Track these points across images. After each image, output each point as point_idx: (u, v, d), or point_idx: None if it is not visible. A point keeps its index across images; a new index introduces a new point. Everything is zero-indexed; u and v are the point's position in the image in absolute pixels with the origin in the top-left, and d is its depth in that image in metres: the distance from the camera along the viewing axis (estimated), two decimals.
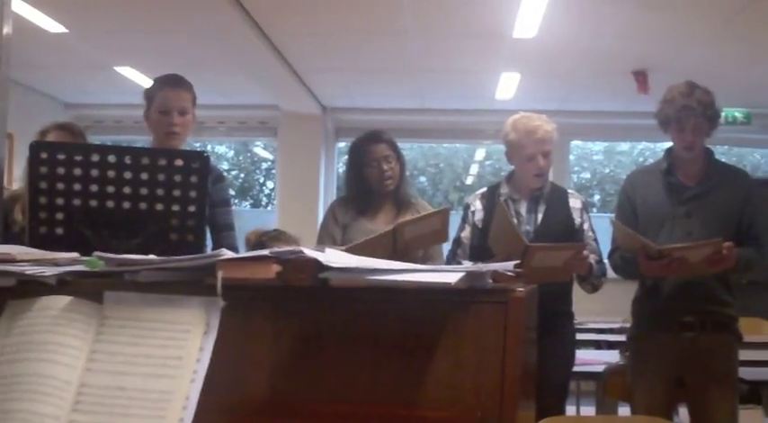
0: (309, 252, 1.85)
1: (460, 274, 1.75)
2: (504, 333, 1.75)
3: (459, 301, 1.79)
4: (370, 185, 4.44)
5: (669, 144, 4.13)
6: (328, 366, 1.84)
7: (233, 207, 4.25)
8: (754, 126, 10.10)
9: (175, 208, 2.49)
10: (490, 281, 1.94)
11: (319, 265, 1.80)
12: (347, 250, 2.76)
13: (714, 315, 3.94)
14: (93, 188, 2.47)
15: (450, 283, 1.72)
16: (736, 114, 9.84)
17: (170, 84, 3.93)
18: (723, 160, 4.30)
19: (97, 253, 1.95)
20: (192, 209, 2.49)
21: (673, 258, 3.68)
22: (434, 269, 1.89)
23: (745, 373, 4.60)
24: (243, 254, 1.91)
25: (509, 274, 2.05)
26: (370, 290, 1.81)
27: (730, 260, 3.71)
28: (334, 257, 1.84)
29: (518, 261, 3.28)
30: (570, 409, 5.74)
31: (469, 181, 12.44)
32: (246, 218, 12.11)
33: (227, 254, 1.84)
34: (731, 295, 4.01)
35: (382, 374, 1.82)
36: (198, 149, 3.26)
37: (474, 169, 12.63)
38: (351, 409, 1.81)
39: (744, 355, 4.73)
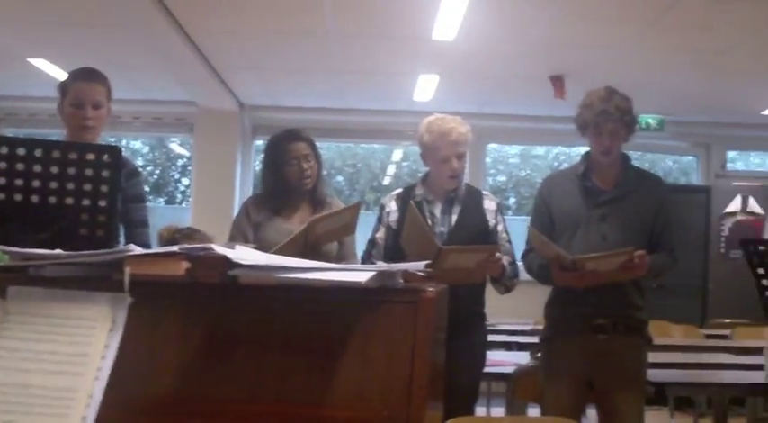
0: (219, 249, 1.84)
1: (371, 273, 1.75)
2: (413, 333, 1.76)
3: (369, 300, 1.79)
4: (288, 184, 4.41)
5: (584, 149, 4.18)
6: (236, 365, 1.83)
7: (147, 203, 4.19)
8: (666, 133, 10.29)
9: (86, 202, 2.44)
10: (401, 281, 1.94)
11: (229, 263, 1.79)
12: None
13: (626, 318, 3.99)
14: (1, 181, 2.41)
15: (360, 282, 1.72)
16: (650, 121, 10.01)
17: (84, 77, 3.87)
18: (638, 166, 4.35)
19: (1, 247, 1.91)
20: (102, 204, 2.44)
21: (585, 271, 3.72)
22: (345, 268, 1.89)
23: (653, 375, 4.67)
24: (152, 250, 1.89)
25: (420, 274, 2.05)
26: (280, 288, 1.80)
27: (643, 268, 3.76)
28: (244, 255, 1.83)
29: (429, 261, 3.29)
30: (480, 410, 5.78)
31: (386, 181, 12.47)
32: (161, 215, 11.99)
33: (136, 249, 1.82)
34: (643, 299, 4.06)
35: (290, 373, 1.81)
36: (111, 144, 3.21)
37: (391, 170, 12.66)
38: (258, 409, 1.80)
39: (651, 357, 4.81)
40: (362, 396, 1.78)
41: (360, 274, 1.74)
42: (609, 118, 3.94)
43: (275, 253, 2.82)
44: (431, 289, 1.80)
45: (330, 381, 1.79)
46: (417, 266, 2.03)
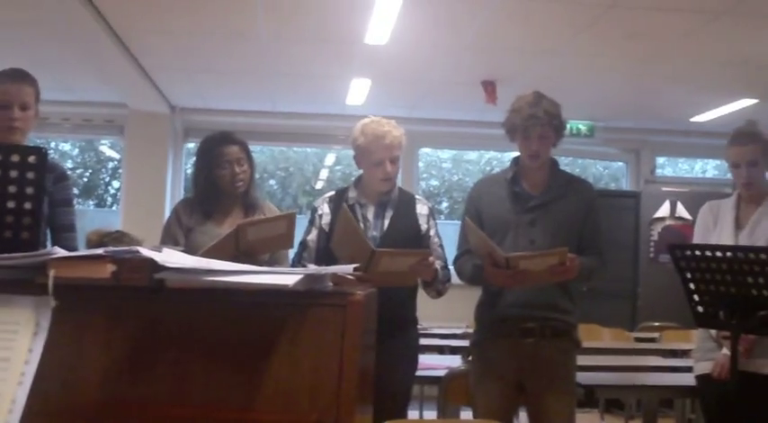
0: (146, 252, 1.81)
1: (299, 277, 1.74)
2: (341, 336, 1.75)
3: (297, 303, 1.79)
4: (220, 187, 4.37)
5: (517, 154, 4.20)
6: (162, 369, 1.81)
7: (76, 207, 4.12)
8: (596, 139, 10.40)
9: (10, 205, 2.40)
10: (330, 284, 1.93)
11: (155, 266, 1.77)
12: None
13: (554, 322, 4.01)
14: None
15: (287, 285, 1.71)
16: (581, 127, 10.13)
17: (11, 77, 3.81)
18: (567, 171, 4.39)
19: None
20: (27, 206, 2.41)
21: (517, 271, 3.73)
22: (273, 271, 1.87)
23: (583, 377, 4.72)
24: (76, 252, 1.86)
25: (349, 277, 2.05)
26: (207, 291, 1.78)
27: (573, 271, 3.79)
28: (171, 258, 1.81)
29: (358, 264, 3.28)
30: (413, 414, 5.79)
31: (319, 185, 12.45)
32: (90, 218, 11.83)
33: (60, 252, 1.79)
34: (571, 303, 4.09)
35: (217, 377, 1.79)
36: (38, 145, 3.13)
37: (324, 174, 12.64)
38: (185, 413, 1.78)
39: (582, 360, 4.86)
40: (290, 399, 1.77)
41: (287, 278, 1.73)
42: (537, 122, 3.97)
43: (202, 256, 2.79)
44: (359, 292, 1.79)
45: (258, 384, 1.78)
46: (346, 269, 2.02)
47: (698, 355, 4.46)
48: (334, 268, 1.98)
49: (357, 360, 1.75)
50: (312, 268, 2.13)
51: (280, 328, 1.78)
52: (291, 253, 4.40)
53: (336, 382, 1.74)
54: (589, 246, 4.05)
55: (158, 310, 1.84)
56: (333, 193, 4.44)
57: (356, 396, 1.75)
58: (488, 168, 12.31)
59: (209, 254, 3.43)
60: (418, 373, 4.42)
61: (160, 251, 1.87)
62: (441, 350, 6.80)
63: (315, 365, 1.75)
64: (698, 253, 3.59)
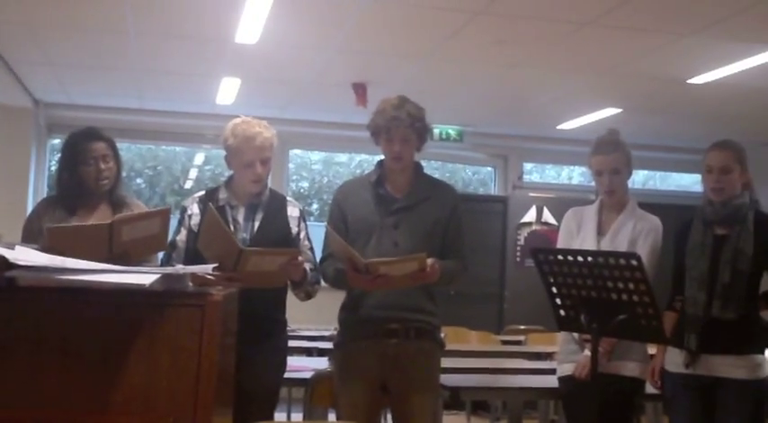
0: None
1: (156, 276, 1.70)
2: (200, 337, 1.72)
3: (154, 303, 1.75)
4: (84, 185, 4.27)
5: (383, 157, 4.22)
6: (14, 371, 1.75)
7: None
8: (465, 143, 10.53)
9: None
10: (190, 284, 1.89)
11: (6, 264, 1.70)
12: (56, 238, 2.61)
13: (417, 323, 4.02)
14: None
15: (144, 285, 1.66)
16: (450, 132, 10.23)
17: None
18: (436, 175, 4.42)
19: None
20: None
21: (378, 275, 3.74)
22: (129, 270, 1.83)
23: (449, 379, 4.75)
24: None
25: (209, 277, 2.01)
26: (60, 290, 1.73)
27: (433, 275, 3.82)
28: (23, 255, 1.74)
29: (220, 264, 3.24)
30: (281, 416, 5.76)
31: (188, 185, 12.27)
32: None
33: None
34: (434, 305, 4.12)
35: (72, 379, 1.74)
36: None
37: (193, 173, 12.46)
38: (38, 416, 1.72)
39: (448, 362, 4.90)
40: (147, 401, 1.73)
41: (144, 277, 1.69)
42: (400, 124, 4.00)
43: (60, 234, 2.68)
44: (218, 293, 1.76)
45: (114, 386, 1.73)
46: (206, 269, 1.99)
47: (561, 357, 4.53)
48: (193, 268, 1.94)
49: (215, 361, 1.72)
50: (170, 268, 2.08)
51: (137, 329, 1.74)
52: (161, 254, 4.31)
53: (194, 383, 1.70)
54: (451, 249, 4.09)
55: (9, 310, 1.77)
56: (203, 193, 4.37)
57: (214, 397, 1.72)
58: (359, 171, 12.32)
59: (72, 236, 3.29)
60: (286, 375, 4.39)
61: (12, 249, 1.81)
62: (309, 352, 6.79)
63: (172, 366, 1.72)
64: (560, 257, 3.65)
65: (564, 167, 12.24)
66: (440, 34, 6.67)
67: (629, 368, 4.28)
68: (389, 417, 4.26)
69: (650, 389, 4.48)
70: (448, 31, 6.56)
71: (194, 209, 4.25)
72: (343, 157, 12.33)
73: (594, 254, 3.66)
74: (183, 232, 4.22)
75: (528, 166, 11.94)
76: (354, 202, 4.15)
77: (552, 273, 3.67)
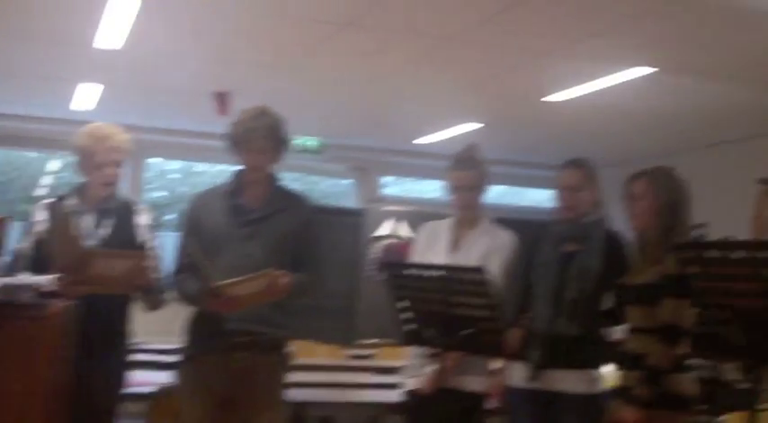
0: None
1: None
2: (35, 349, 1.69)
3: None
4: None
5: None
6: None
7: None
8: (325, 156, 10.57)
9: None
10: (30, 295, 1.86)
11: None
12: None
13: (266, 337, 4.01)
14: None
15: None
16: (310, 143, 10.23)
17: None
18: (295, 187, 4.43)
19: None
20: None
21: (228, 297, 3.73)
22: None
23: (294, 394, 4.74)
24: None
25: (53, 287, 1.98)
26: None
27: (284, 290, 3.83)
28: None
29: (63, 275, 3.17)
30: None
31: (42, 192, 11.94)
32: None
33: None
34: (284, 317, 4.10)
35: None
36: None
37: (47, 180, 12.14)
38: None
39: (295, 376, 4.89)
40: None
41: None
42: (257, 134, 4.01)
43: None
44: (57, 305, 1.73)
45: None
46: (49, 280, 1.95)
47: (408, 371, 4.57)
48: (35, 279, 1.90)
49: (50, 374, 1.69)
50: (4, 279, 2.03)
51: None
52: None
53: (28, 396, 1.67)
54: (305, 261, 4.09)
55: None
56: (51, 200, 4.29)
57: (48, 411, 1.69)
58: (218, 181, 12.22)
59: None
60: (129, 389, 4.30)
61: None
62: (154, 366, 6.64)
63: (4, 379, 1.68)
64: (411, 272, 3.70)
65: (424, 181, 12.35)
66: (306, 45, 6.67)
67: (472, 382, 4.34)
68: None
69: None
70: (314, 41, 6.56)
71: (42, 216, 4.17)
72: (202, 167, 12.21)
73: (443, 268, 3.72)
74: (29, 240, 4.12)
75: (388, 179, 12.00)
76: (208, 212, 4.12)
77: (401, 287, 3.71)
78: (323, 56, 6.91)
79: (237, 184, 4.17)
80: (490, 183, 4.58)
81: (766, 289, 2.61)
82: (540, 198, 12.12)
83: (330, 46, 6.61)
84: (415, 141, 10.27)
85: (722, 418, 4.08)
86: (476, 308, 3.50)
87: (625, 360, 4.00)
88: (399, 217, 10.84)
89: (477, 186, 4.49)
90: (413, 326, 3.77)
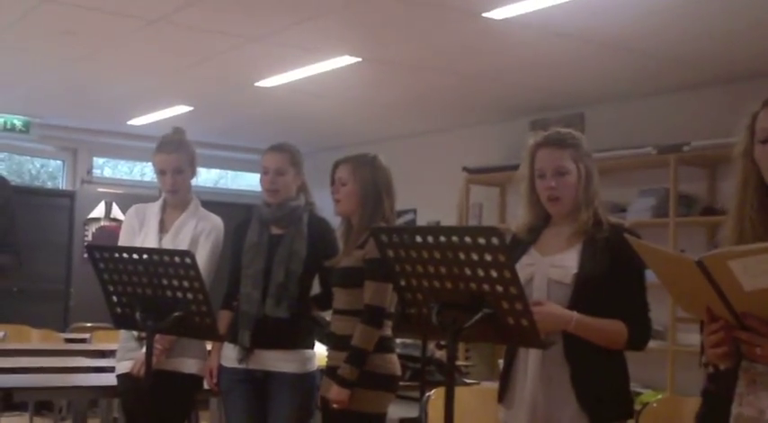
0: None
1: None
2: None
3: None
4: None
5: None
6: None
7: None
8: (32, 135, 10.23)
9: None
10: None
11: None
12: None
13: None
14: None
15: None
16: (15, 122, 9.90)
17: None
18: (1, 168, 4.28)
19: None
20: None
21: None
22: None
23: (4, 380, 4.61)
24: None
25: None
26: None
27: None
28: None
29: None
30: None
31: None
32: None
33: None
34: None
35: None
36: None
37: None
38: None
39: (4, 362, 4.73)
40: None
41: None
42: None
43: None
44: None
45: None
46: None
47: (120, 354, 4.53)
48: None
49: None
50: None
51: None
52: None
53: None
54: (3, 243, 3.99)
55: None
56: None
57: None
58: None
59: None
60: None
61: None
62: None
63: None
64: (116, 255, 3.65)
65: (137, 163, 12.15)
66: (2, 20, 6.40)
67: (188, 365, 4.37)
68: None
69: None
70: (11, 17, 6.30)
71: None
72: None
73: (149, 251, 3.70)
74: None
75: (100, 160, 11.72)
76: None
77: (108, 270, 3.66)
78: (23, 31, 6.65)
79: None
80: (199, 166, 4.58)
81: (453, 272, 2.77)
82: (256, 182, 12.20)
83: (30, 21, 6.37)
84: (128, 123, 10.07)
85: (430, 393, 4.27)
86: (185, 290, 3.50)
87: (331, 341, 4.14)
88: (112, 199, 10.66)
89: (184, 169, 4.47)
90: (122, 309, 3.72)
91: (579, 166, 3.28)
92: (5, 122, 9.77)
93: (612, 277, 3.16)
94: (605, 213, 3.31)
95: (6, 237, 4.02)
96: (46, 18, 6.32)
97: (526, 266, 3.22)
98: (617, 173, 7.40)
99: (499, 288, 2.72)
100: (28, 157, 11.65)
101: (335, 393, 3.95)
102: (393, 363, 4.10)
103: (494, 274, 2.70)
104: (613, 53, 6.59)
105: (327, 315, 4.29)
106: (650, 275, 2.55)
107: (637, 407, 4.28)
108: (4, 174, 4.56)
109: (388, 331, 4.07)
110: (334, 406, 3.96)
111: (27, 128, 10.01)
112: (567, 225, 3.31)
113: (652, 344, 3.45)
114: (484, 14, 5.78)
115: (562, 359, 3.18)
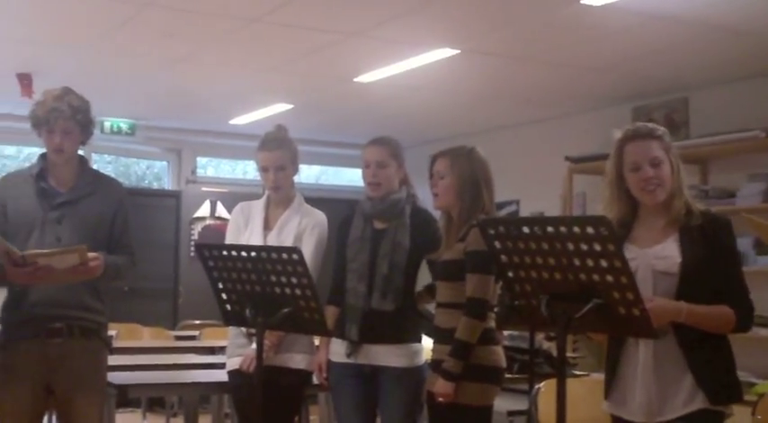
0: None
1: None
2: None
3: None
4: None
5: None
6: None
7: None
8: (138, 137, 10.39)
9: None
10: None
11: None
12: None
13: (83, 322, 3.96)
14: None
15: None
16: (122, 125, 10.07)
17: None
18: (109, 169, 4.38)
19: None
20: None
21: (38, 267, 3.66)
22: None
23: (119, 377, 4.69)
24: None
25: None
26: None
27: (97, 270, 3.79)
28: None
29: None
30: None
31: None
32: None
33: None
34: (101, 302, 4.06)
35: None
36: None
37: None
38: None
39: (119, 360, 4.83)
40: None
41: None
42: (60, 115, 3.95)
43: None
44: None
45: None
46: None
47: (230, 351, 4.57)
48: None
49: None
50: None
51: None
52: None
53: None
54: (119, 244, 4.08)
55: None
56: None
57: None
58: (28, 164, 11.83)
59: None
60: None
61: None
62: None
63: None
64: (225, 253, 3.70)
65: (239, 162, 12.30)
66: (107, 25, 6.53)
67: (296, 360, 4.39)
68: (54, 419, 4.18)
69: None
70: (115, 21, 6.43)
71: None
72: (11, 150, 11.81)
73: (257, 249, 3.73)
74: None
75: (203, 160, 11.89)
76: (15, 195, 4.04)
77: (217, 268, 3.71)
78: (127, 35, 6.79)
79: (44, 167, 4.10)
80: (300, 162, 4.60)
81: (562, 262, 2.75)
82: (357, 177, 12.24)
83: (133, 25, 6.49)
84: (229, 122, 10.20)
85: (539, 385, 4.23)
86: (293, 286, 3.53)
87: (436, 334, 4.13)
88: (216, 198, 10.82)
89: (287, 166, 4.49)
90: (231, 306, 3.78)
91: (670, 156, 3.30)
92: (112, 126, 9.95)
93: (713, 263, 3.20)
94: (694, 201, 3.32)
95: (122, 238, 4.10)
96: (146, 23, 6.44)
97: (629, 260, 3.20)
98: (724, 158, 7.25)
99: (609, 278, 2.71)
100: (134, 159, 11.90)
101: (441, 387, 3.94)
102: (498, 354, 4.09)
103: (603, 263, 2.68)
104: (716, 35, 6.45)
105: (433, 308, 4.27)
106: None
107: (752, 397, 4.20)
108: (112, 176, 4.64)
109: (491, 323, 4.05)
110: (440, 400, 3.95)
111: (133, 130, 10.19)
112: (659, 216, 3.32)
113: (764, 332, 3.40)
114: (582, 1, 5.71)
115: (676, 348, 3.18)
